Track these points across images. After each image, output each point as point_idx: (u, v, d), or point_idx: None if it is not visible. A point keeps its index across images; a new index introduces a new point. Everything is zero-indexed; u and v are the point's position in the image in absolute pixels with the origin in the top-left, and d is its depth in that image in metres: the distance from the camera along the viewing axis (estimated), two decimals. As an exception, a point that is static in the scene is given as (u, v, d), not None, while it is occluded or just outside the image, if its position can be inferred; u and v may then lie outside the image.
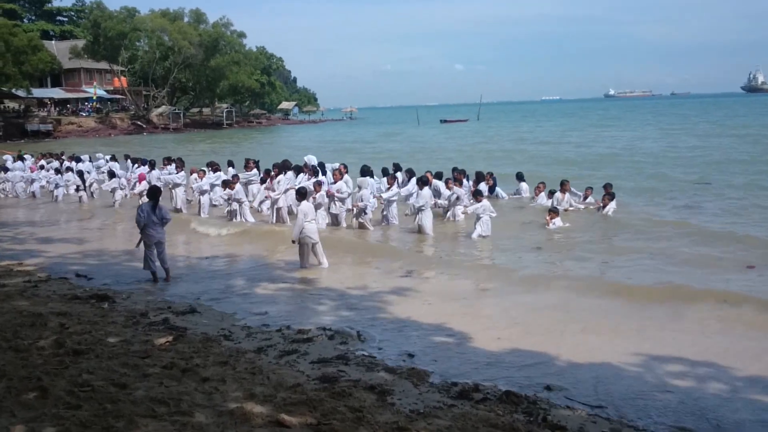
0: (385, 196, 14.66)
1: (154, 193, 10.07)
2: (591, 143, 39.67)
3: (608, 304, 8.41)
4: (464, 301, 8.72)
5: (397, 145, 46.07)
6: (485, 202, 13.24)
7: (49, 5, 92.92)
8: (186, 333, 7.12)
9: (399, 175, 16.62)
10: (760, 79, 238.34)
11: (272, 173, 15.85)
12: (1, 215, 18.23)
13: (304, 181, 15.28)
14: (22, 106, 70.57)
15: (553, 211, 13.68)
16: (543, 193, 16.40)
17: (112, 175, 18.51)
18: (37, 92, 71.07)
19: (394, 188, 14.91)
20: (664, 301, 8.38)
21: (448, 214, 14.82)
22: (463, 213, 14.45)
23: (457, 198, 14.66)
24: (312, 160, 17.50)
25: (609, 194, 14.90)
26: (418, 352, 6.72)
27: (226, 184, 15.42)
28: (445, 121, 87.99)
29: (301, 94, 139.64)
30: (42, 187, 22.24)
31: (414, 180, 14.80)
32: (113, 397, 4.87)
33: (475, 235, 12.84)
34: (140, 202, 17.73)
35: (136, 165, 21.77)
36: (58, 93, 75.93)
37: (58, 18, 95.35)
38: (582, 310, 8.15)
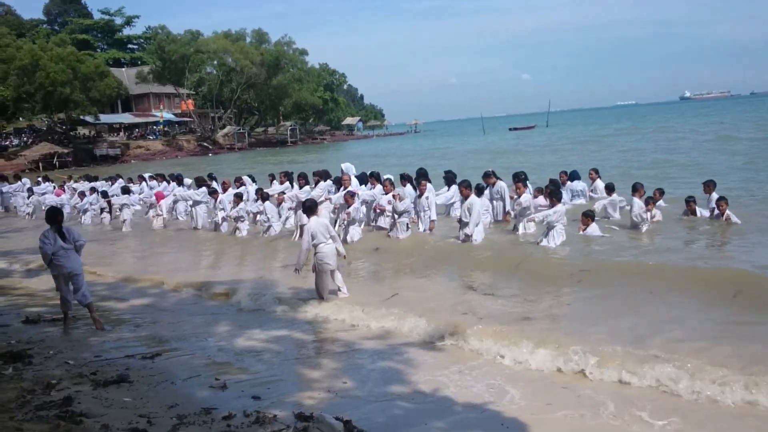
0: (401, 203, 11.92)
1: (52, 216, 7.74)
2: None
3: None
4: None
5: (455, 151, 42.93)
6: (560, 207, 10.21)
7: (120, 34, 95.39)
8: (78, 427, 4.53)
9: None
10: None
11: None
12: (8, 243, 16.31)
13: (326, 192, 12.92)
14: (93, 133, 71.80)
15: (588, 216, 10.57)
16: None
17: (126, 191, 16.33)
18: (106, 118, 72.04)
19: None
20: None
21: (519, 225, 11.78)
22: (530, 221, 11.35)
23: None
24: (350, 168, 15.06)
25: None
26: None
27: (239, 198, 13.19)
28: (514, 129, 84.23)
29: (368, 110, 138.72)
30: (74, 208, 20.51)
31: (455, 187, 12.08)
32: None
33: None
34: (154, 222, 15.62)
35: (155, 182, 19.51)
36: (126, 118, 76.98)
37: (129, 46, 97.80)
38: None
